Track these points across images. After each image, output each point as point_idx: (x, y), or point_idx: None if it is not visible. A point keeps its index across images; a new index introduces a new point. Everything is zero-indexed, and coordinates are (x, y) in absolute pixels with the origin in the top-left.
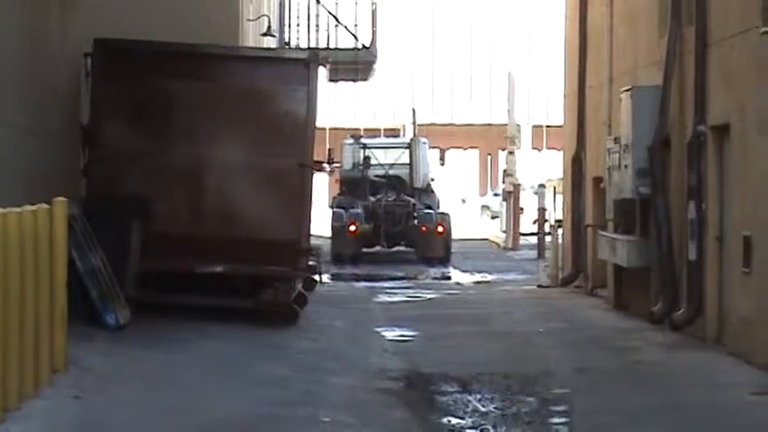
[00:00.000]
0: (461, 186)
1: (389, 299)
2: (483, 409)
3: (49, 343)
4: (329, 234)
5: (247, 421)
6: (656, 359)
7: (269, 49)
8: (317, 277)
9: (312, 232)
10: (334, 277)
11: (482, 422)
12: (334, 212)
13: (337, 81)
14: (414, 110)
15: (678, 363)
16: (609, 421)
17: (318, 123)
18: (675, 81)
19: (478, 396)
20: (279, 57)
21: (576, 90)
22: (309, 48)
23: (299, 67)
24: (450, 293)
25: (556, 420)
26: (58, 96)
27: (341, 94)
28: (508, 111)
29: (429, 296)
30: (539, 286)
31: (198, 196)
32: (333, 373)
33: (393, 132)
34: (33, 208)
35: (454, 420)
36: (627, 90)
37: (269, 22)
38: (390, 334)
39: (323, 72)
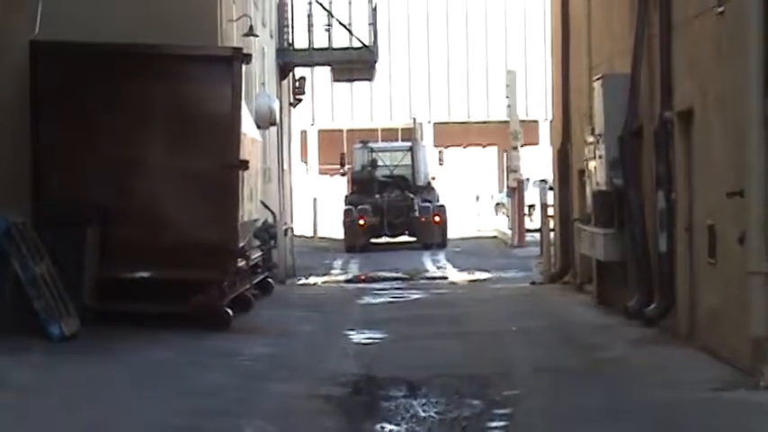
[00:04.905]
0: (479, 184)
1: (373, 300)
2: (423, 415)
3: None
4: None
5: None
6: (622, 356)
7: (192, 46)
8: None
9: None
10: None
11: (416, 428)
12: (345, 210)
13: (343, 81)
14: (414, 118)
15: (644, 360)
16: (547, 424)
17: (335, 125)
18: (645, 67)
19: (423, 401)
20: (202, 54)
21: (560, 82)
22: (312, 48)
23: (223, 64)
24: (438, 293)
25: (494, 425)
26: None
27: (357, 96)
28: (508, 106)
29: (415, 297)
30: (531, 283)
31: (123, 199)
32: (277, 380)
33: (409, 133)
34: None
35: (388, 427)
36: (598, 78)
37: (251, 22)
38: (358, 337)
39: (328, 74)
